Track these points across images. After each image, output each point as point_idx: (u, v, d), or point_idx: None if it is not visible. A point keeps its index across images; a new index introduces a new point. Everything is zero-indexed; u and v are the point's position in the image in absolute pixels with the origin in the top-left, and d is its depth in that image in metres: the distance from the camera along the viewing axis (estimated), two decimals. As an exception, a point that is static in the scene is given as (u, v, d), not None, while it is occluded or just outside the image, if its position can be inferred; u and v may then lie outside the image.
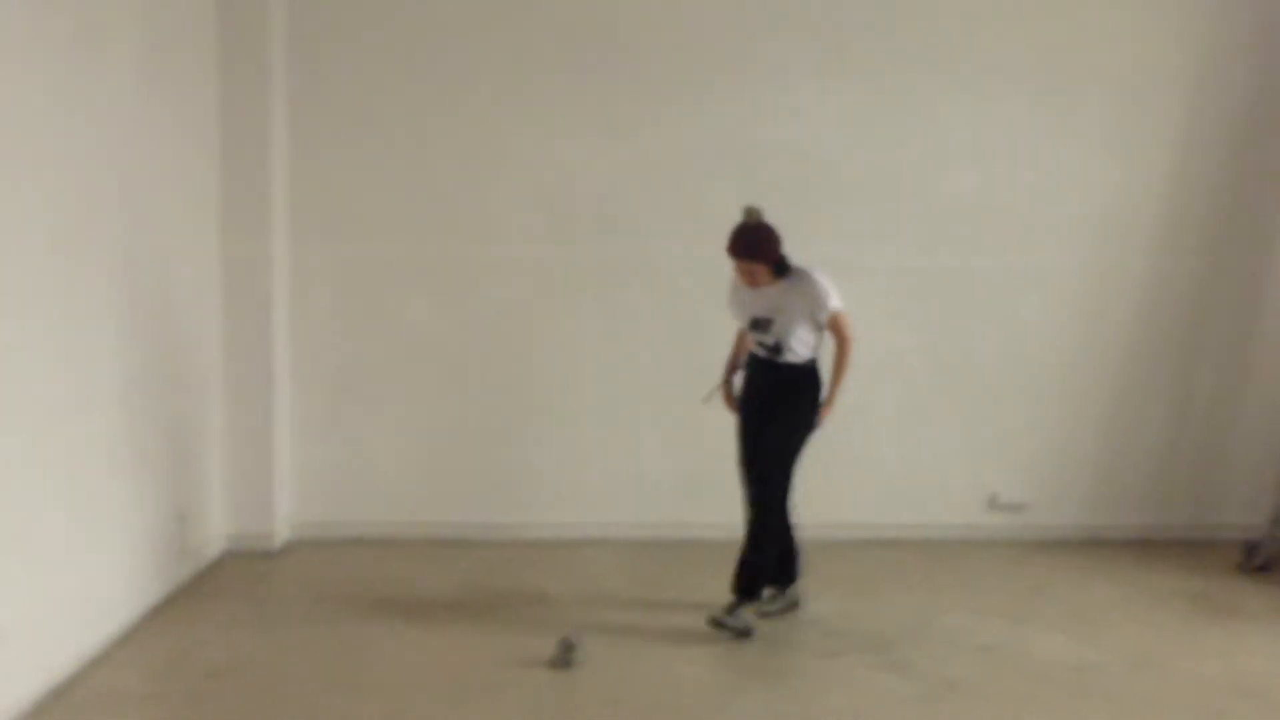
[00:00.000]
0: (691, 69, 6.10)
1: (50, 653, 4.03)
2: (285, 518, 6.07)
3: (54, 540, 4.08)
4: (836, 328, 4.73)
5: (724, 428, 6.12)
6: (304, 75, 5.95)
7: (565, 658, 4.38)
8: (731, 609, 4.77)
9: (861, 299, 6.21)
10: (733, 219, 6.12)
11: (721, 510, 6.09)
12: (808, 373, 4.78)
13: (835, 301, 4.67)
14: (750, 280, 4.67)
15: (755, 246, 4.60)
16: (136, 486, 4.78)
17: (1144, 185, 6.30)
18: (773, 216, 6.14)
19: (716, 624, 4.73)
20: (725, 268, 5.93)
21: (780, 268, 4.66)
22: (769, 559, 4.86)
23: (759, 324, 4.73)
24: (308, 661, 4.39)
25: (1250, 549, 6.01)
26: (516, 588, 5.40)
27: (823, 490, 6.26)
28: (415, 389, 6.15)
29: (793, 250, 6.17)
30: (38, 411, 3.94)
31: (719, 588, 5.39)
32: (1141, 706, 4.15)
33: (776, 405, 4.81)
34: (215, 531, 5.75)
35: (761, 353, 4.81)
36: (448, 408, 6.16)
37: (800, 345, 4.71)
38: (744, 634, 4.73)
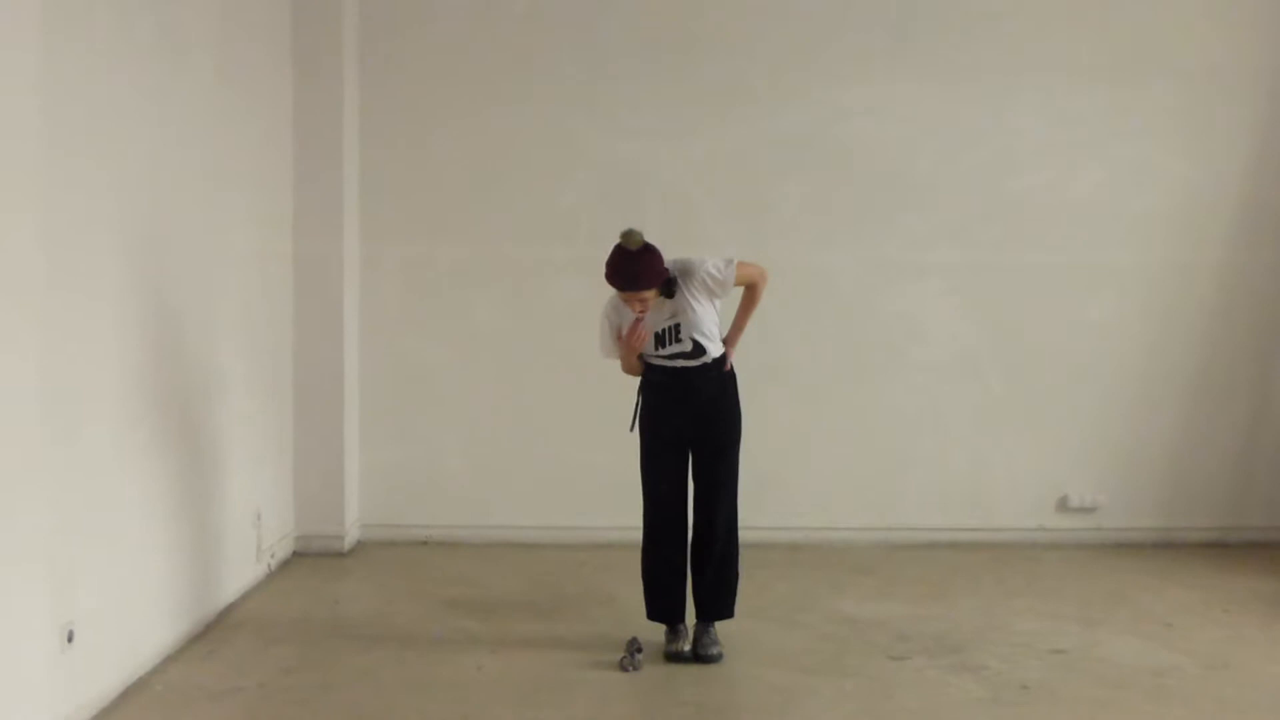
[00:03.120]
0: (760, 67, 6.12)
1: (129, 648, 4.10)
2: (354, 519, 6.13)
3: (133, 537, 4.16)
4: (746, 278, 4.43)
5: (794, 429, 6.13)
6: (375, 77, 6.05)
7: (634, 660, 4.38)
8: (713, 636, 4.52)
9: (931, 298, 6.22)
10: (802, 218, 6.15)
11: (789, 513, 6.13)
12: (726, 367, 4.48)
13: (719, 262, 4.33)
14: (641, 308, 4.28)
15: (647, 273, 4.19)
16: (214, 485, 4.86)
17: (1218, 179, 6.20)
18: (841, 215, 6.17)
19: (711, 658, 4.44)
20: (791, 265, 5.94)
21: (667, 283, 4.30)
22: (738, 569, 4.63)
23: (665, 337, 4.37)
24: (380, 660, 4.43)
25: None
26: (585, 590, 5.42)
27: (892, 492, 6.27)
28: (483, 390, 6.20)
29: (860, 251, 6.18)
30: (118, 409, 4.02)
31: (787, 589, 5.41)
32: (1219, 710, 4.06)
33: (717, 420, 4.47)
34: (287, 531, 5.83)
35: (676, 364, 4.41)
36: (515, 409, 6.20)
37: (712, 331, 4.39)
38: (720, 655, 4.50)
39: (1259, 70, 6.16)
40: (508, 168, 6.12)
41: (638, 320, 4.34)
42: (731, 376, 4.55)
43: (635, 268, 4.18)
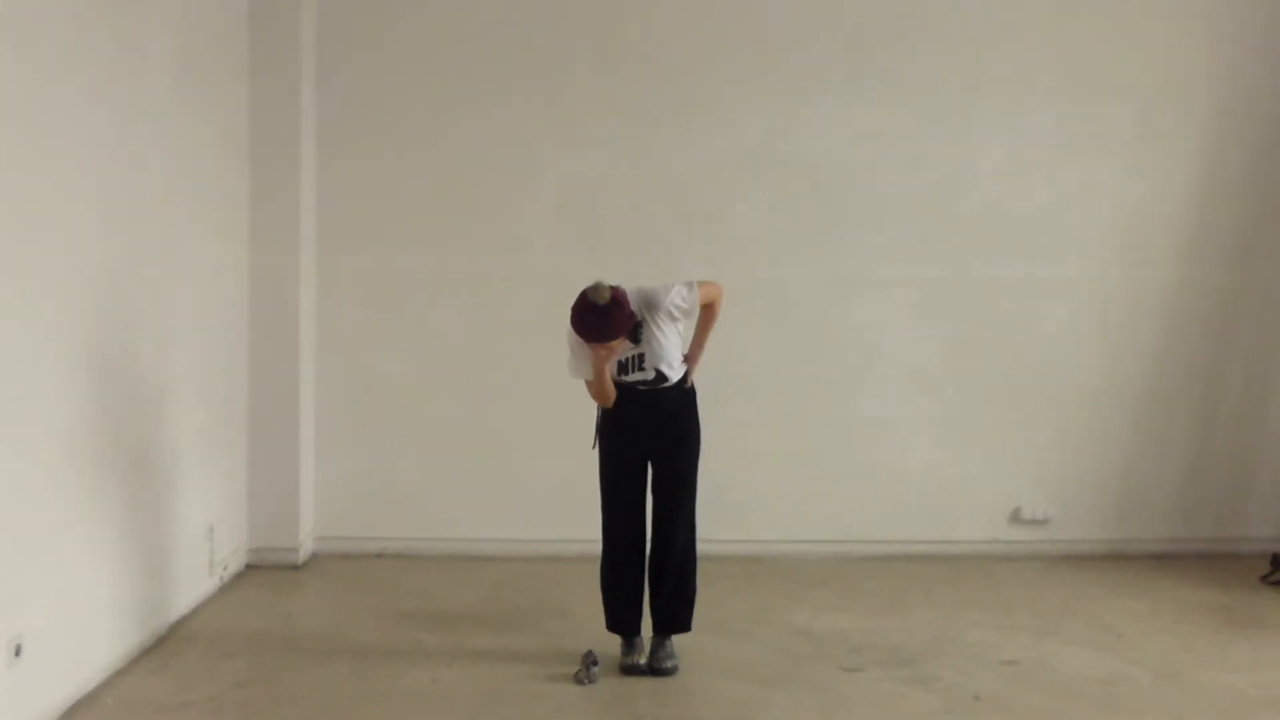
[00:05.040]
0: (719, 82, 6.14)
1: (79, 662, 4.06)
2: (309, 531, 6.09)
3: (83, 550, 4.12)
4: (706, 297, 4.40)
5: (751, 443, 6.15)
6: (333, 88, 6.02)
7: (590, 673, 4.38)
8: (669, 649, 4.56)
9: (888, 313, 6.26)
10: (760, 233, 6.18)
11: (746, 526, 6.15)
12: (686, 385, 4.52)
13: (683, 290, 4.32)
14: (606, 354, 4.21)
15: (615, 327, 4.12)
16: (166, 498, 4.82)
17: (1169, 197, 6.29)
18: (799, 230, 6.20)
19: (666, 671, 4.48)
20: (750, 279, 5.98)
21: (634, 329, 4.27)
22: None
23: (629, 365, 4.39)
24: (335, 674, 4.40)
25: (1275, 561, 5.97)
26: (540, 603, 5.40)
27: (847, 506, 6.30)
28: (439, 402, 6.18)
29: (818, 265, 6.22)
30: (68, 421, 3.98)
31: (743, 601, 5.43)
32: (1167, 719, 4.12)
33: (676, 435, 4.51)
34: (240, 544, 5.78)
35: (641, 387, 4.43)
36: (471, 421, 6.19)
37: (675, 357, 4.43)
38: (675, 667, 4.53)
39: (1207, 91, 6.26)
40: (466, 180, 6.11)
41: None
42: (691, 392, 4.57)
43: (603, 322, 4.11)
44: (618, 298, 4.11)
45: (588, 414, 4.59)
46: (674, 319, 4.37)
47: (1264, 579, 5.94)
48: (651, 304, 4.32)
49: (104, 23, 4.18)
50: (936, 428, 6.34)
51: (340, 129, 6.05)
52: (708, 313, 4.56)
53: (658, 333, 4.34)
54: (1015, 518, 6.39)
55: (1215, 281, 6.35)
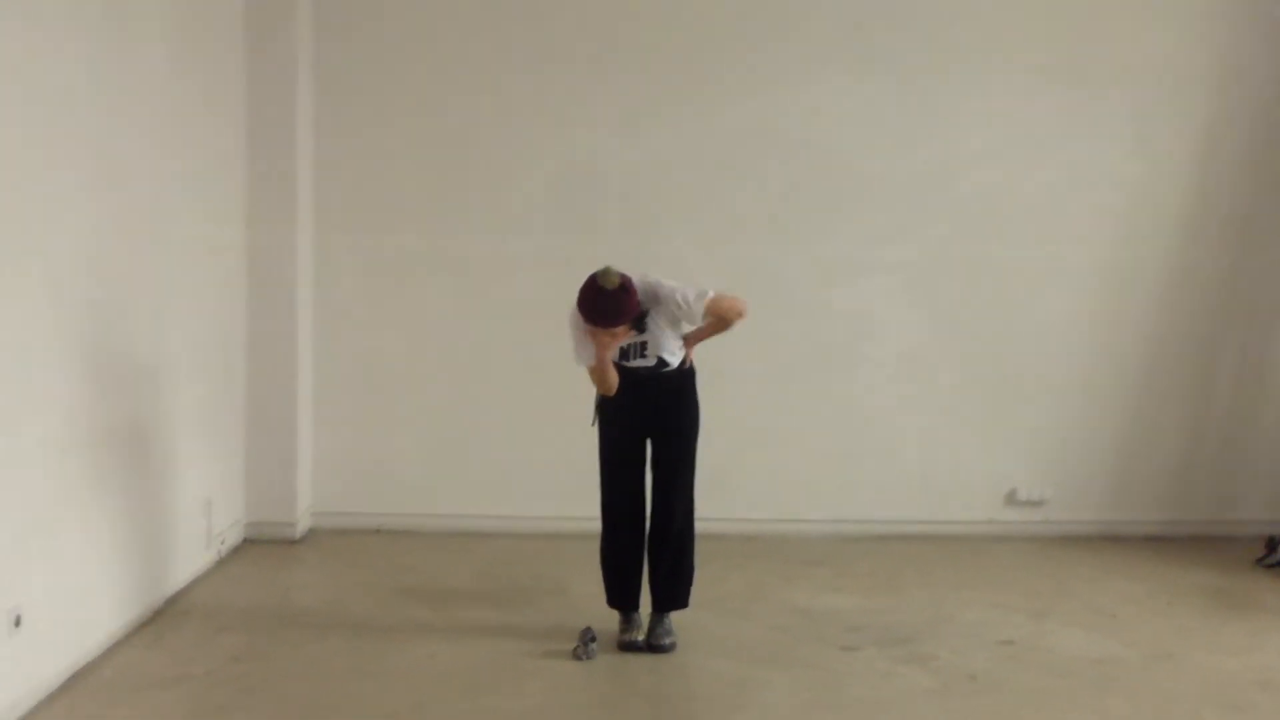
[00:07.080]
0: (712, 64, 6.11)
1: (76, 634, 4.07)
2: (306, 506, 6.09)
3: (81, 523, 4.12)
4: (717, 311, 4.33)
5: (748, 424, 6.15)
6: (329, 66, 5.99)
7: (588, 649, 4.39)
8: (667, 626, 4.58)
9: (883, 295, 6.26)
10: (755, 213, 6.17)
11: (742, 505, 6.16)
12: (686, 367, 4.53)
13: (690, 294, 4.28)
14: (610, 340, 4.22)
15: (622, 313, 4.12)
16: (164, 472, 4.82)
17: (1165, 180, 6.28)
18: (794, 210, 6.19)
19: (664, 648, 4.49)
20: (745, 260, 5.99)
21: (639, 318, 4.27)
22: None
23: (630, 351, 4.41)
24: (331, 649, 4.41)
25: (1270, 544, 5.99)
26: (537, 580, 5.42)
27: (844, 486, 6.32)
28: (436, 379, 6.18)
29: (813, 248, 6.21)
30: (65, 395, 3.98)
31: (740, 580, 5.44)
32: (1161, 700, 4.14)
33: (676, 414, 4.53)
34: (238, 518, 5.79)
35: (642, 371, 4.44)
36: (469, 398, 6.19)
37: (677, 345, 4.45)
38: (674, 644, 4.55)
39: (1205, 74, 6.24)
40: (463, 159, 6.09)
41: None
42: (691, 371, 4.57)
43: (609, 306, 4.11)
44: (625, 284, 4.12)
45: (586, 391, 4.58)
46: (675, 320, 4.38)
47: (1259, 561, 5.96)
48: (656, 299, 4.31)
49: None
50: (932, 409, 6.34)
51: (337, 108, 6.03)
52: (719, 323, 4.44)
53: (663, 324, 4.36)
54: (1011, 499, 6.41)
55: (1211, 264, 6.35)
